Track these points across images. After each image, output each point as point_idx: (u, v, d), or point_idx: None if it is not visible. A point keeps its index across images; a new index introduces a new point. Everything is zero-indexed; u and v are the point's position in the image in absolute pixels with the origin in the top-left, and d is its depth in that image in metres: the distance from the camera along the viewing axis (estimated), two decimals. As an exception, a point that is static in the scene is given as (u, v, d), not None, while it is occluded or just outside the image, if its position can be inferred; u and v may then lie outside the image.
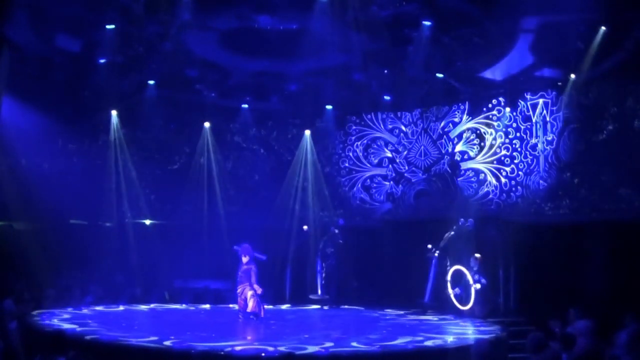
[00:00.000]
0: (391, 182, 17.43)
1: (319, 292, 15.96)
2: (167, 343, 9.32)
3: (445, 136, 16.64)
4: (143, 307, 14.89)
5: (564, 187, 14.13)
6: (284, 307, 15.73)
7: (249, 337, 10.89)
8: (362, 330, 11.56)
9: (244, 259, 12.55)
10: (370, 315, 14.31)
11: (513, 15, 12.42)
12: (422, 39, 13.23)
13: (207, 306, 15.42)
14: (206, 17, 13.14)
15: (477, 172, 16.01)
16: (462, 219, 14.74)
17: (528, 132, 15.10)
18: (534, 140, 14.94)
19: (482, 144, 15.96)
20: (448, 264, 14.51)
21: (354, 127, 18.00)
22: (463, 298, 13.95)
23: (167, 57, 14.21)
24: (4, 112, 13.40)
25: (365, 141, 17.84)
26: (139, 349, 9.02)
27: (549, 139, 14.55)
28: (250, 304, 12.30)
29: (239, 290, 12.56)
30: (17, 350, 9.55)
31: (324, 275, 15.93)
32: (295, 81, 16.13)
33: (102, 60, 14.36)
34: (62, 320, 11.30)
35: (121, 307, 14.49)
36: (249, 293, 12.33)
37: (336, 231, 16.28)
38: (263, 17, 12.96)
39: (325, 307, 15.64)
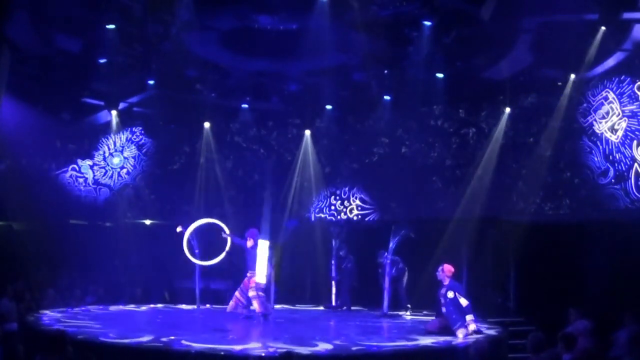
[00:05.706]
0: None
1: (333, 302, 15.59)
2: (167, 343, 9.32)
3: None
4: (143, 307, 14.88)
5: (564, 187, 14.14)
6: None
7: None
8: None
9: (249, 243, 12.42)
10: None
11: (513, 15, 12.41)
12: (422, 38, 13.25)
13: (207, 306, 15.40)
14: (206, 17, 13.14)
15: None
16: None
17: (528, 131, 15.11)
18: (534, 140, 14.93)
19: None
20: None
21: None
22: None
23: (167, 57, 14.22)
24: (4, 112, 13.41)
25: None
26: (139, 349, 9.01)
27: (549, 138, 14.54)
28: (255, 303, 12.21)
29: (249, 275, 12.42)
30: (17, 350, 9.56)
31: (338, 280, 15.59)
32: (295, 81, 16.12)
33: (102, 60, 14.37)
34: (62, 320, 11.28)
35: (121, 307, 14.48)
36: (252, 293, 12.23)
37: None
38: (263, 17, 12.96)
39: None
